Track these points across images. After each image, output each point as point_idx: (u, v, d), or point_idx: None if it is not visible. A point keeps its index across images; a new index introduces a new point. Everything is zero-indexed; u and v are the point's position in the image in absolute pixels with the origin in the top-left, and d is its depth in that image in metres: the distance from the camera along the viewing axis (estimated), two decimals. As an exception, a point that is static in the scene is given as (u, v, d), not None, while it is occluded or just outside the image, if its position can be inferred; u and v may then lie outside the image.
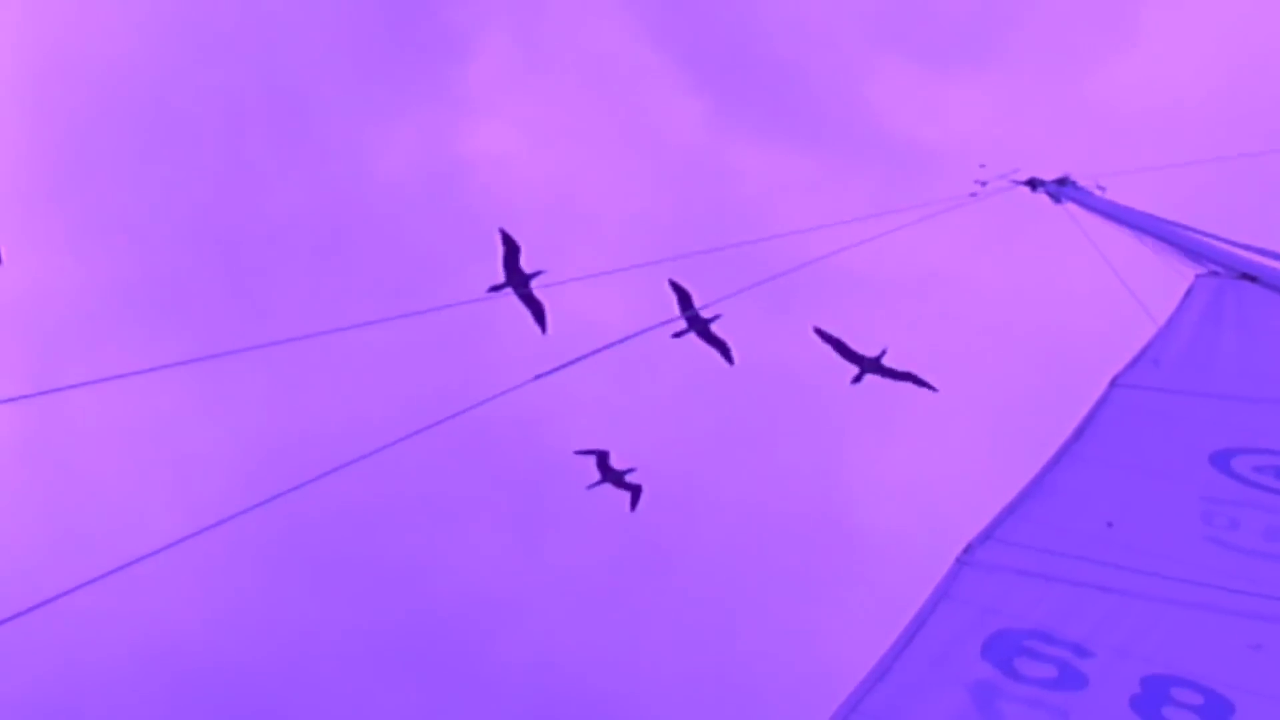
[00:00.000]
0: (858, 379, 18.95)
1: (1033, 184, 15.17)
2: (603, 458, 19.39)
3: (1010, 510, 8.02)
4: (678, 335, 17.39)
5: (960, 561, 7.50)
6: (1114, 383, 9.67)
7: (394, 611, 28.92)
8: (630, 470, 19.43)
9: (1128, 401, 9.44)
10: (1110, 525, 7.87)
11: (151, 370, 10.26)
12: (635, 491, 19.40)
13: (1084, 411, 9.31)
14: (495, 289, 16.35)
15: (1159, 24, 31.92)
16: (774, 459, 29.21)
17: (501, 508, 29.74)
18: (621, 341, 12.39)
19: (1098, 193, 14.75)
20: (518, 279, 16.35)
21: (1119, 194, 14.87)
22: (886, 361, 18.91)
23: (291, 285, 30.40)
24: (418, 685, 29.10)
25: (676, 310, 16.98)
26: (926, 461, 28.93)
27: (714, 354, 17.69)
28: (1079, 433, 8.98)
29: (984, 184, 15.05)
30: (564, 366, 11.72)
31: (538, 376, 11.51)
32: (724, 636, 29.39)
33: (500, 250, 16.32)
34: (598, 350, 12.07)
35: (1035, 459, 8.55)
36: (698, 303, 16.89)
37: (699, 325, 17.35)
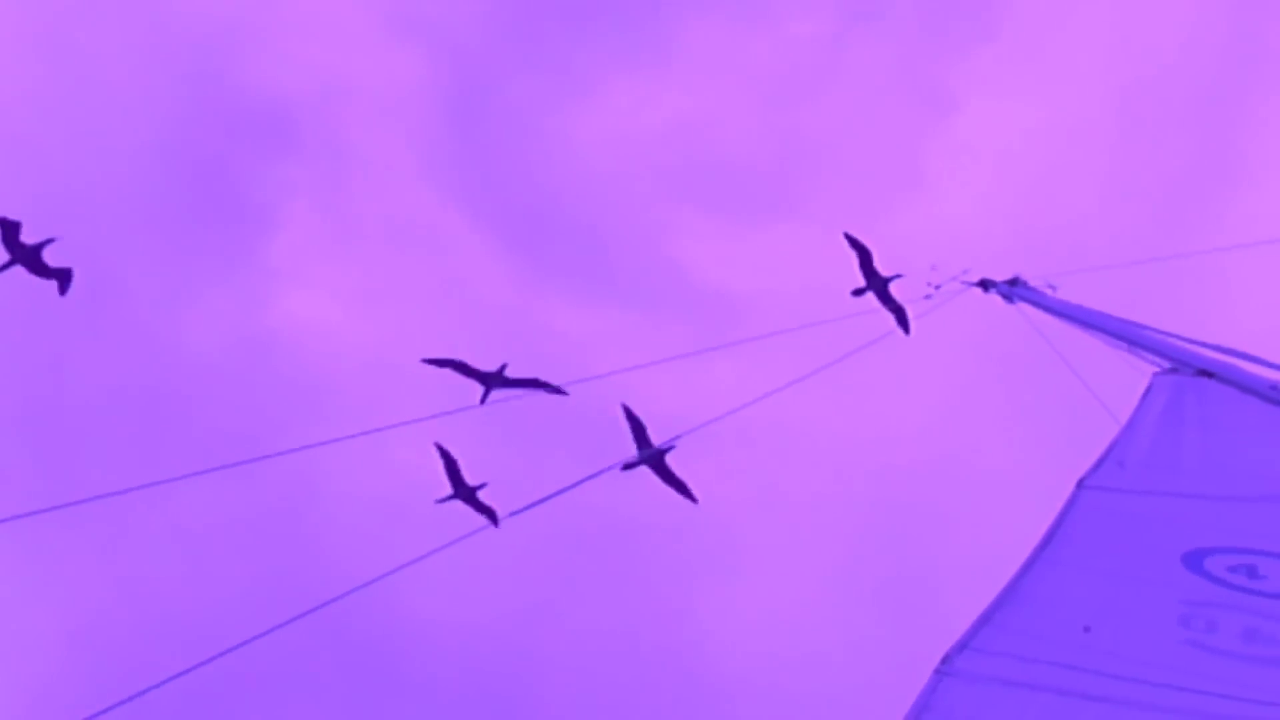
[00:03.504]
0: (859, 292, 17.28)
1: (985, 285, 15.28)
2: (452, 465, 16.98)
3: (985, 618, 7.88)
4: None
5: (939, 672, 7.34)
6: (1080, 485, 9.61)
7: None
8: (483, 485, 17.04)
9: (1095, 504, 9.38)
10: (1088, 630, 7.75)
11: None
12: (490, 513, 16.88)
13: (1051, 516, 9.22)
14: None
15: (942, 168, 32.56)
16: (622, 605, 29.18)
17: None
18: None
19: (1049, 292, 14.87)
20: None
21: (1069, 293, 15.01)
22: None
23: (108, 466, 29.75)
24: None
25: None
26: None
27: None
28: (1049, 537, 8.88)
29: (938, 287, 15.14)
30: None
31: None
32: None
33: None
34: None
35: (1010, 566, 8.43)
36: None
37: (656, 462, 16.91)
